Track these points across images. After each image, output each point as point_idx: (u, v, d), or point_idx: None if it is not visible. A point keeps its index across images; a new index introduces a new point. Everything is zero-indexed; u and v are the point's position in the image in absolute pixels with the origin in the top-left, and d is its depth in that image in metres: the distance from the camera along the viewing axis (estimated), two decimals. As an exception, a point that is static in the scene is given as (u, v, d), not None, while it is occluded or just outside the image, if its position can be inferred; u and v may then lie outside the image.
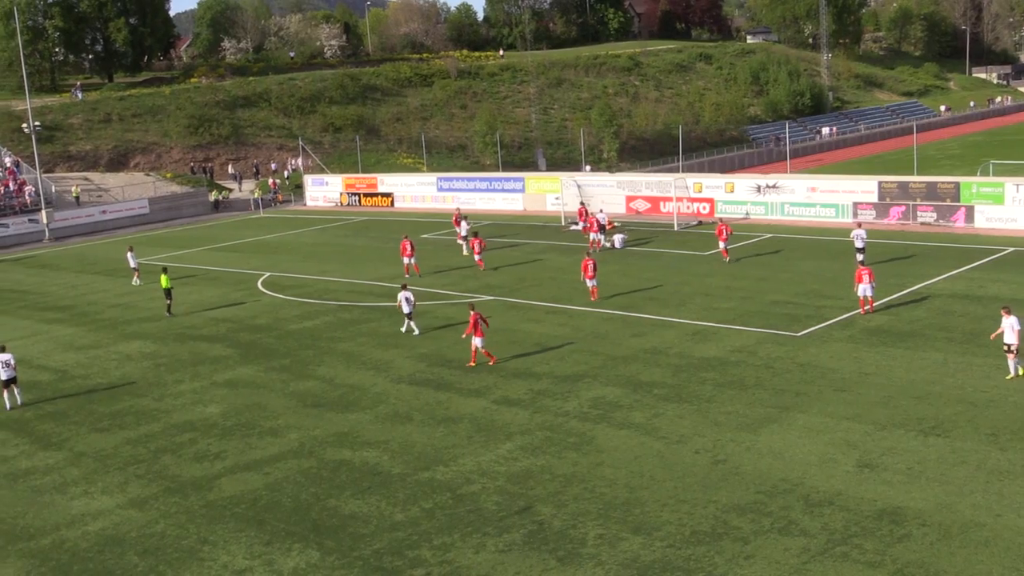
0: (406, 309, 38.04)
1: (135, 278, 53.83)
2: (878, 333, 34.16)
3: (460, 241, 56.03)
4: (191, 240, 71.21)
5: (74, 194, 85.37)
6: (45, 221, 77.88)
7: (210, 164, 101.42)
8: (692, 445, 25.29)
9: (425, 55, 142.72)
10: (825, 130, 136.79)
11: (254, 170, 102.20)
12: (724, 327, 36.33)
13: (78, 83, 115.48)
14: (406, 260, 50.44)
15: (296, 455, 26.79)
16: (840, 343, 33.32)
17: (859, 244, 44.45)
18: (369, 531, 21.79)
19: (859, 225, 47.08)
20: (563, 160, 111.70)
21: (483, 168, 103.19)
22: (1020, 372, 28.35)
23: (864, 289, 36.35)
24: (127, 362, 37.95)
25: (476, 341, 33.20)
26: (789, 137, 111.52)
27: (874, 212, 56.87)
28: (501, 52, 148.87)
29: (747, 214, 61.67)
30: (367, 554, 20.72)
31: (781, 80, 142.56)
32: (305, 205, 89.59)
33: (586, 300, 41.93)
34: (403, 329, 38.66)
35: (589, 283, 42.02)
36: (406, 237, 51.69)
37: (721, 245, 48.34)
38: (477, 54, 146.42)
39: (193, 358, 37.76)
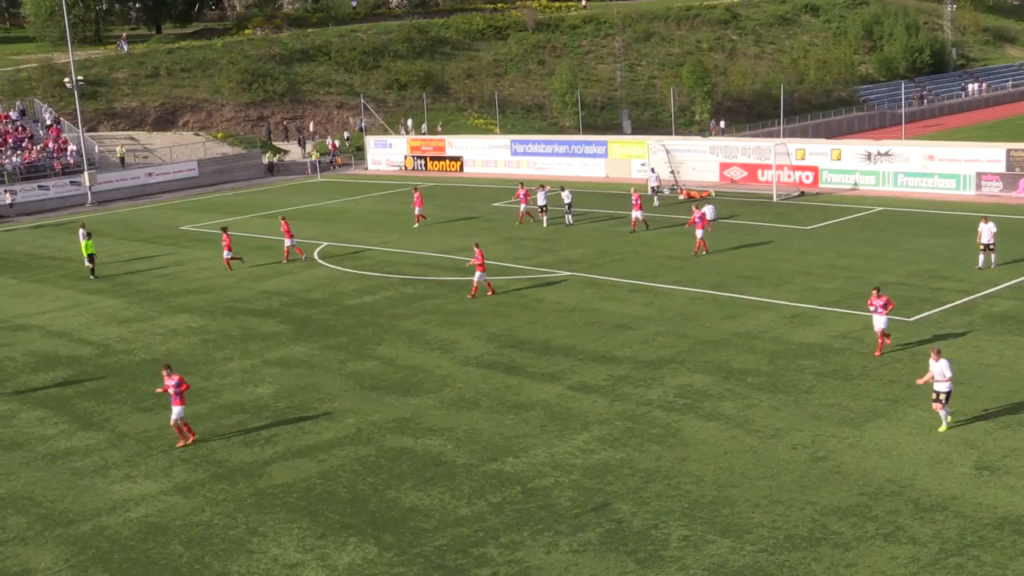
0: None
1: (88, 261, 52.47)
2: (1002, 320, 33.54)
3: (541, 212, 55.66)
4: (242, 206, 72.16)
5: (119, 155, 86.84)
6: (88, 183, 79.36)
7: (279, 122, 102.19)
8: (789, 440, 25.10)
9: (500, 5, 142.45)
10: (972, 86, 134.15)
11: (359, 127, 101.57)
12: (827, 310, 35.95)
13: (124, 34, 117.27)
14: (287, 243, 50.51)
15: (353, 441, 27.10)
16: (958, 330, 32.77)
17: (987, 239, 40.25)
18: (431, 526, 21.98)
19: (986, 220, 40.81)
20: (650, 122, 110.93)
21: (562, 130, 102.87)
22: (943, 427, 25.12)
23: (880, 322, 31.09)
24: (173, 337, 38.63)
25: (175, 411, 27.65)
26: (933, 95, 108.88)
27: (1001, 184, 55.75)
28: (584, 2, 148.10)
29: (855, 184, 60.89)
30: (428, 551, 20.92)
31: (897, 35, 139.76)
32: (366, 169, 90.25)
33: (673, 278, 41.77)
34: None
35: (477, 277, 40.88)
36: (283, 218, 52.29)
37: (699, 235, 46.15)
38: (557, 4, 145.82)
39: (243, 334, 38.33)
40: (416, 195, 58.93)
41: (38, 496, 25.10)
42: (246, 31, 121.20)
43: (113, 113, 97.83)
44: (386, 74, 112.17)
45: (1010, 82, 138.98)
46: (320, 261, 50.16)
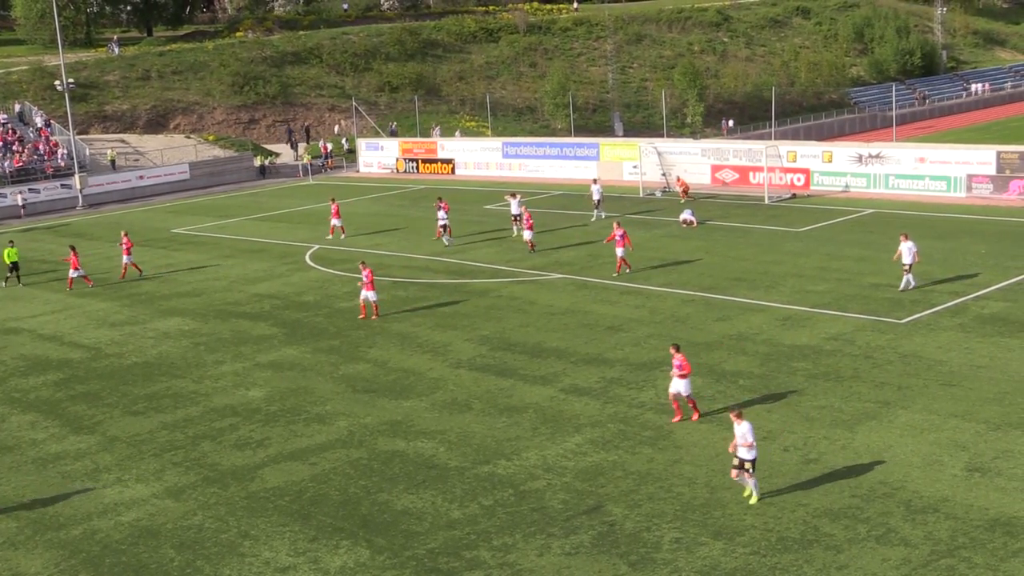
0: None
1: None
2: (993, 322, 33.59)
3: (513, 221, 54.65)
4: (234, 209, 72.05)
5: (109, 158, 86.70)
6: (78, 186, 79.18)
7: (271, 121, 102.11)
8: (781, 442, 25.12)
9: (491, 7, 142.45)
10: (976, 86, 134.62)
11: (391, 130, 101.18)
12: (818, 312, 35.98)
13: (115, 37, 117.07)
14: (125, 259, 49.80)
15: (345, 444, 27.07)
16: (949, 332, 32.82)
17: (908, 259, 37.97)
18: (423, 529, 21.97)
19: (905, 238, 38.26)
20: (642, 125, 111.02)
21: (553, 133, 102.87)
22: (754, 498, 22.15)
23: (678, 385, 27.03)
24: (164, 340, 38.57)
25: None
26: (935, 95, 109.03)
27: (991, 186, 55.82)
28: (575, 4, 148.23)
29: (846, 187, 60.91)
30: (421, 554, 20.90)
31: (888, 37, 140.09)
32: (358, 172, 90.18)
33: (665, 280, 41.78)
34: None
35: (366, 295, 39.01)
36: (125, 233, 51.49)
37: (620, 253, 43.33)
38: (549, 7, 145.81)
39: (235, 337, 38.27)
40: (334, 206, 58.31)
41: (28, 500, 25.03)
42: (237, 34, 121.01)
43: (104, 116, 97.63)
44: (377, 77, 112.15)
45: (1009, 83, 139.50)
46: (312, 264, 50.12)
